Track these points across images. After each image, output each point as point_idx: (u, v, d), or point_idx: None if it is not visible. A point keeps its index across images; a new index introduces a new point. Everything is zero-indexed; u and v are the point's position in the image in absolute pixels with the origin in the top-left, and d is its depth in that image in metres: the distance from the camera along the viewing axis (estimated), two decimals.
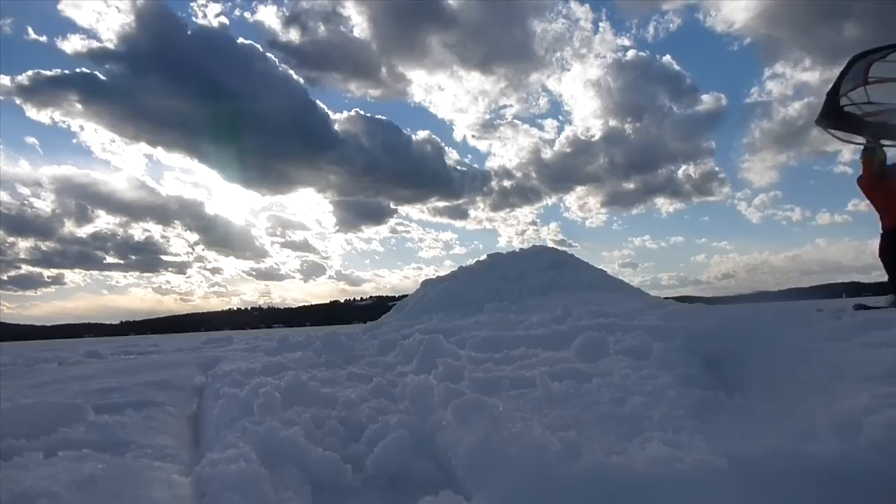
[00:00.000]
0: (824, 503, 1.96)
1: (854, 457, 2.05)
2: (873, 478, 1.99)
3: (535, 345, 5.73)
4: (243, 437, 3.03)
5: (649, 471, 2.02)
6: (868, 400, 2.48)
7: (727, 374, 3.91)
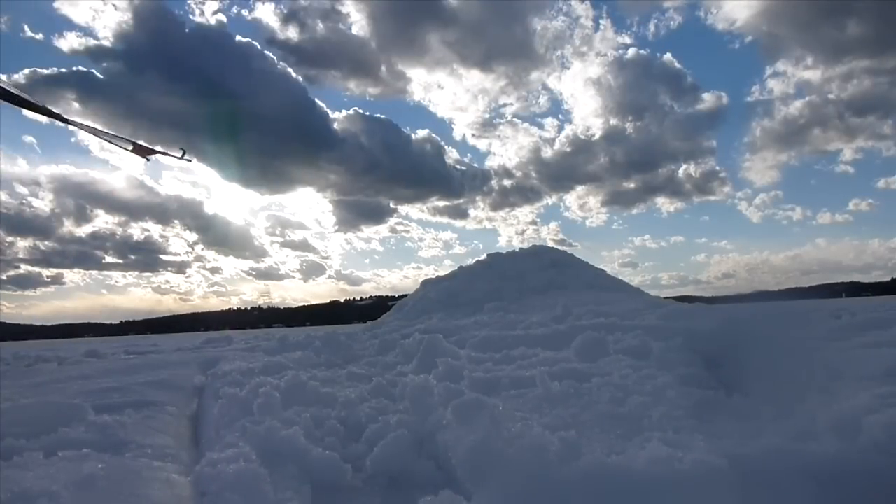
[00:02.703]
0: (824, 503, 1.96)
1: (854, 457, 2.06)
2: (873, 478, 1.99)
3: (535, 345, 5.73)
4: (243, 437, 3.03)
5: (649, 471, 2.02)
6: (868, 400, 2.49)
7: (727, 374, 3.90)
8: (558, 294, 12.48)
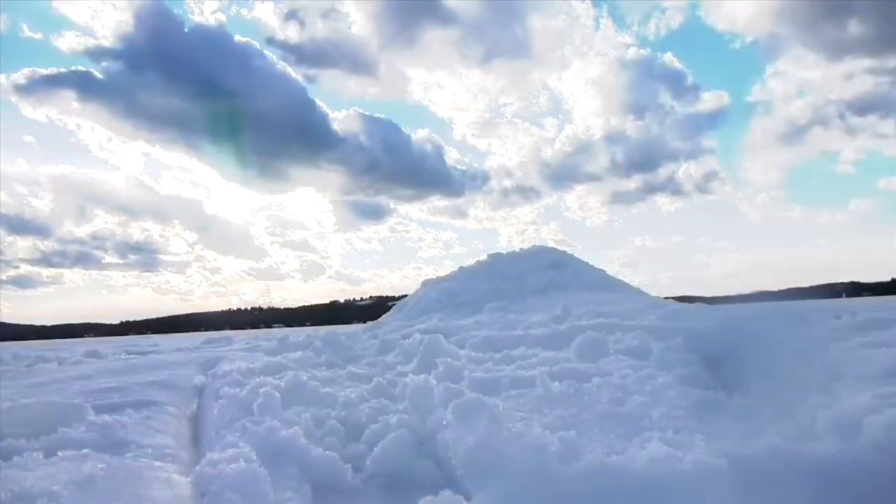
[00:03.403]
0: (824, 503, 1.96)
1: (854, 457, 2.06)
2: (873, 478, 2.00)
3: (535, 345, 5.73)
4: (243, 437, 3.03)
5: (649, 470, 2.02)
6: (868, 400, 2.49)
7: (727, 374, 3.91)
8: (558, 294, 12.48)
